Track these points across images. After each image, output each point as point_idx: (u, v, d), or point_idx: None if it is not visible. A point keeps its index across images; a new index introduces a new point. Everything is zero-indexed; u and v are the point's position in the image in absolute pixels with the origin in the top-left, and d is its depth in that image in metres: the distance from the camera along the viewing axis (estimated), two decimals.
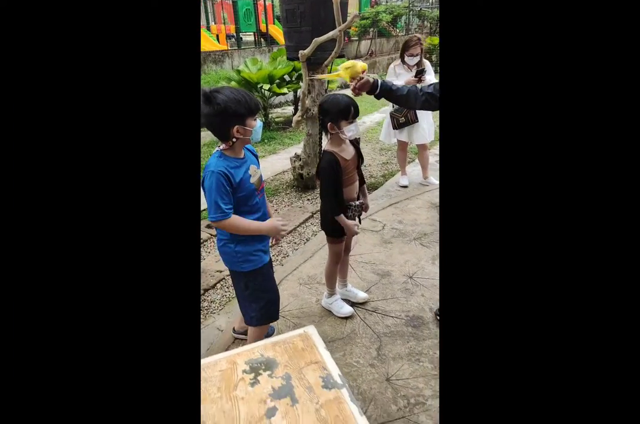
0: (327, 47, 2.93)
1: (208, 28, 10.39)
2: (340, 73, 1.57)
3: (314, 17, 2.92)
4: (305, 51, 2.94)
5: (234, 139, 1.34)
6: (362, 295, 2.09)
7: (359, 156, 1.73)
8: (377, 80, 1.53)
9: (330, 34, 2.79)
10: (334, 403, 0.94)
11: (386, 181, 3.85)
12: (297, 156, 3.63)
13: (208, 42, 9.14)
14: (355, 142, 1.70)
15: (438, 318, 1.95)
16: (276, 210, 3.37)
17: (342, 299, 2.09)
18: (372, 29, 10.99)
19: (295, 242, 2.86)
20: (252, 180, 1.40)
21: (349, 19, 2.63)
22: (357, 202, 1.78)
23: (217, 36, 10.43)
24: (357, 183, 1.76)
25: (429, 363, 1.71)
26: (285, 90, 5.25)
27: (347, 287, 2.10)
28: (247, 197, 1.39)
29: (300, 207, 3.38)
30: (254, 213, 1.43)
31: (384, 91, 1.52)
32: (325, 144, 1.70)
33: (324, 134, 1.63)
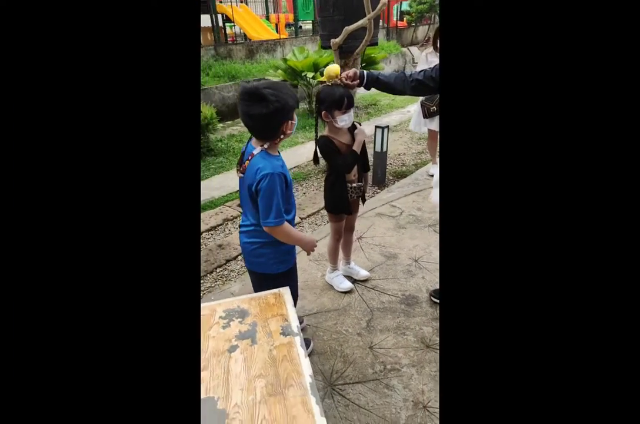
0: (359, 35, 3.01)
1: (267, 17, 10.68)
2: (323, 77, 1.70)
3: (346, 6, 3.01)
4: (337, 40, 3.04)
5: (282, 136, 1.30)
6: (363, 273, 2.23)
7: (362, 153, 1.87)
8: (363, 72, 1.63)
9: (360, 22, 2.88)
10: (286, 346, 1.12)
11: (417, 169, 3.88)
12: None
13: (265, 32, 9.41)
14: (351, 130, 1.83)
15: (432, 298, 2.04)
16: (304, 193, 3.56)
17: (344, 275, 2.25)
18: (429, 14, 10.61)
19: (316, 224, 3.04)
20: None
21: (378, 6, 2.70)
22: (356, 185, 1.91)
23: (276, 25, 10.69)
24: (355, 167, 1.88)
25: (412, 337, 1.82)
26: None
27: (350, 265, 2.25)
28: (290, 194, 1.38)
29: None
30: (292, 209, 1.43)
31: (371, 81, 1.61)
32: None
33: (320, 121, 1.77)
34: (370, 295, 2.12)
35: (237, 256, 2.63)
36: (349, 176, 1.88)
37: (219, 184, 3.82)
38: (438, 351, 1.73)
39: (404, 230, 2.73)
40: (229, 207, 3.36)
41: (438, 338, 1.81)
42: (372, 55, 5.76)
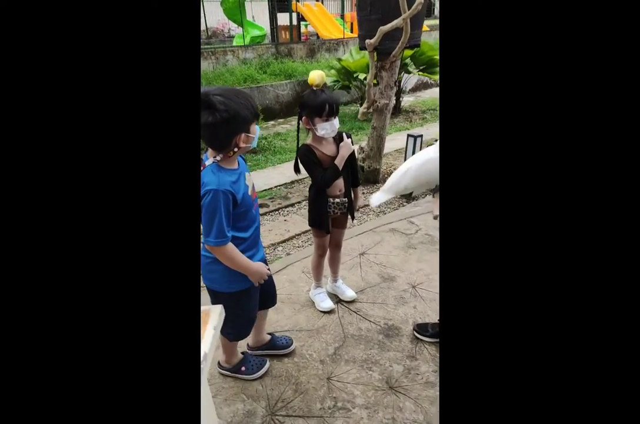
0: (396, 36, 2.81)
1: (342, 16, 10.62)
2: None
3: (383, 4, 2.82)
4: (372, 41, 2.87)
5: (236, 149, 1.19)
6: (349, 293, 2.06)
7: (349, 167, 1.71)
8: None
9: (394, 22, 2.68)
10: None
11: None
12: (361, 148, 3.61)
13: (336, 30, 9.36)
14: (338, 141, 1.67)
15: (415, 333, 1.82)
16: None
17: (331, 293, 2.10)
18: None
19: None
20: (250, 191, 1.29)
21: (413, 6, 2.48)
22: (339, 200, 1.75)
23: (352, 24, 10.59)
24: (340, 181, 1.73)
25: (378, 374, 1.63)
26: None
27: (336, 283, 2.10)
28: (246, 212, 1.28)
29: None
30: (251, 226, 1.34)
31: None
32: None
33: (301, 128, 1.63)
34: (350, 319, 1.95)
35: None
36: (333, 190, 1.73)
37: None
38: (399, 395, 1.53)
39: (412, 251, 2.50)
40: None
41: (405, 380, 1.60)
42: (434, 57, 5.42)
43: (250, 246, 1.37)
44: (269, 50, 6.75)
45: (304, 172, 1.68)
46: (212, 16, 10.10)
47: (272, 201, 3.48)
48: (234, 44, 8.22)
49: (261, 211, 3.29)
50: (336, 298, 2.09)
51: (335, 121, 1.57)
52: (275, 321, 1.93)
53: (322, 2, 10.69)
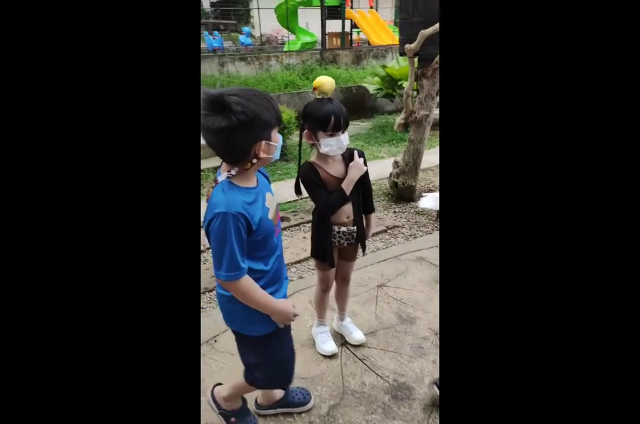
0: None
1: (396, 23, 10.34)
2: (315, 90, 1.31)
3: (427, 6, 2.51)
4: (412, 45, 2.57)
5: (255, 161, 0.97)
6: (357, 336, 1.75)
7: (361, 191, 1.44)
8: None
9: (437, 25, 2.36)
10: None
11: None
12: (396, 163, 3.29)
13: (389, 37, 9.10)
14: (348, 160, 1.38)
15: (435, 388, 1.48)
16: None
17: (337, 332, 1.81)
18: None
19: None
20: (271, 215, 1.05)
21: None
22: (346, 229, 1.46)
23: None
24: (348, 206, 1.44)
25: None
26: None
27: (343, 321, 1.80)
28: (265, 240, 1.04)
29: (380, 218, 3.06)
30: (271, 256, 1.09)
31: None
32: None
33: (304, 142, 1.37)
34: (354, 368, 1.64)
35: None
36: (339, 217, 1.45)
37: (275, 192, 3.63)
38: None
39: None
40: None
41: None
42: None
43: (273, 280, 1.11)
44: (314, 57, 6.59)
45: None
46: (268, 23, 10.24)
47: (294, 215, 3.24)
48: (285, 50, 8.22)
49: (282, 225, 3.07)
50: (341, 339, 1.79)
51: (343, 137, 1.29)
52: None
53: (377, 9, 10.48)
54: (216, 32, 10.01)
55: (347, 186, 1.35)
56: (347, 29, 9.10)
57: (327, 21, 7.57)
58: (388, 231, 2.89)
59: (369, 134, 5.26)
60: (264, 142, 0.94)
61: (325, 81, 1.29)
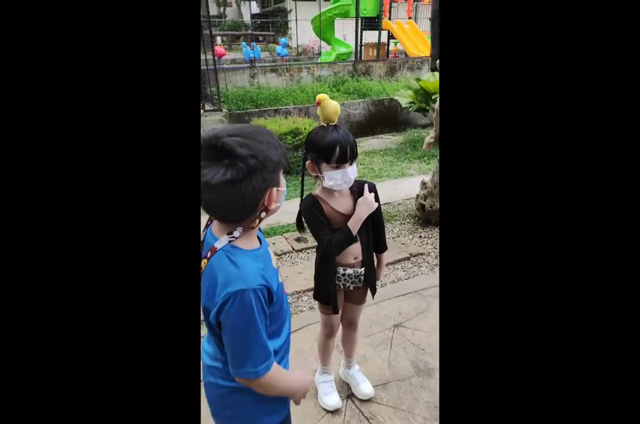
0: None
1: None
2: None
3: None
4: None
5: (263, 214, 0.79)
6: (365, 389, 1.54)
7: (372, 229, 1.25)
8: None
9: None
10: None
11: None
12: (423, 184, 3.06)
13: (426, 48, 8.85)
14: (357, 194, 1.20)
15: None
16: (394, 238, 2.93)
17: (342, 380, 1.61)
18: None
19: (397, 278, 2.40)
20: (280, 276, 0.88)
21: None
22: (353, 271, 1.27)
23: None
24: (356, 246, 1.25)
25: None
26: None
27: (350, 370, 1.59)
28: (279, 309, 0.86)
29: (404, 243, 2.84)
30: (283, 327, 0.91)
31: None
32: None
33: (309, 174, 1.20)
34: None
35: None
36: (345, 257, 1.27)
37: (294, 208, 3.48)
38: None
39: None
40: (285, 238, 2.98)
41: None
42: None
43: (284, 353, 0.92)
44: (346, 68, 6.46)
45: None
46: (305, 34, 10.29)
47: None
48: (320, 61, 8.18)
49: (298, 246, 2.90)
50: (347, 389, 1.59)
51: (350, 169, 1.12)
52: None
53: (415, 20, 10.26)
54: (254, 43, 10.16)
55: (354, 225, 1.16)
56: (385, 40, 8.96)
57: (363, 32, 7.45)
58: (411, 259, 2.66)
59: (399, 149, 5.04)
60: (275, 189, 0.75)
61: (329, 102, 1.12)
